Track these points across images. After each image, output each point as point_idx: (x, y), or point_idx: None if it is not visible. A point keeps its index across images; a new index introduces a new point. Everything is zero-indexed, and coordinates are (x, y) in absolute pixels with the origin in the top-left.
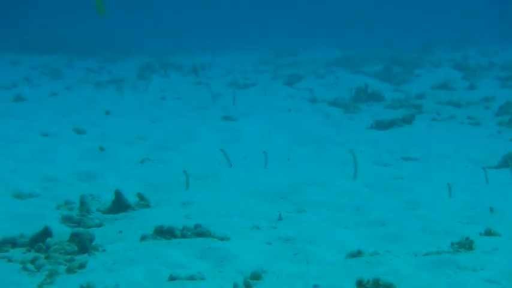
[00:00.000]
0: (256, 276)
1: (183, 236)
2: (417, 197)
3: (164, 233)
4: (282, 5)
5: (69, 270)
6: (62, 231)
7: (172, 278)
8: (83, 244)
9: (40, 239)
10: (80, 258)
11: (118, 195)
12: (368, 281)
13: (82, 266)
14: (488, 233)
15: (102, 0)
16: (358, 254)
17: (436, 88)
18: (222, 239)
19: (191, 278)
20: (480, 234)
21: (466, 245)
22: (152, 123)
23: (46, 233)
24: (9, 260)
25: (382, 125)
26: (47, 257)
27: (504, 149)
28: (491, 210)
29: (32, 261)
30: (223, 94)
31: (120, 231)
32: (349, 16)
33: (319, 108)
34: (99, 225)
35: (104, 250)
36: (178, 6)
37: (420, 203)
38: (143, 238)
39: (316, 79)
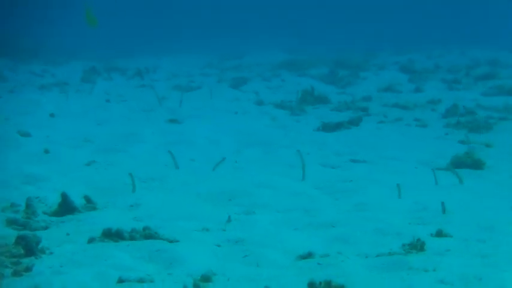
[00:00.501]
0: (206, 279)
1: (132, 238)
2: (367, 199)
3: (112, 235)
4: (227, 8)
5: (16, 273)
6: (7, 234)
7: (120, 281)
8: (29, 247)
9: None
10: (26, 261)
11: (64, 197)
12: (320, 283)
13: (29, 269)
14: (440, 234)
15: (92, 12)
16: (309, 255)
17: (382, 91)
18: (171, 241)
19: (140, 280)
20: (431, 235)
21: (418, 246)
22: (98, 125)
23: None
24: None
25: (329, 127)
26: None
27: (452, 151)
28: (444, 210)
29: None
30: (169, 97)
31: (67, 234)
32: (295, 21)
33: (266, 110)
34: (46, 228)
35: (51, 253)
36: (122, 11)
37: (370, 204)
38: (91, 241)
39: (262, 82)
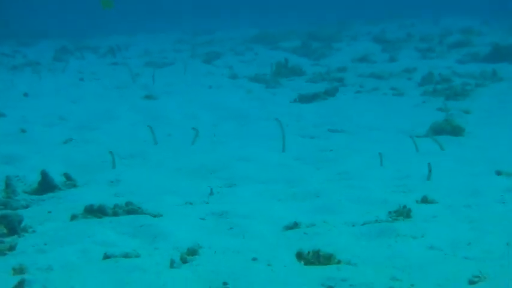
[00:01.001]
0: (192, 252)
1: (115, 214)
2: (348, 168)
3: (95, 211)
4: None
5: None
6: None
7: (106, 257)
8: (11, 226)
9: None
10: (9, 240)
11: (44, 175)
12: (308, 253)
13: (12, 248)
14: (425, 200)
15: None
16: (295, 226)
17: (357, 61)
18: (154, 216)
19: (126, 255)
20: (417, 202)
21: (404, 213)
22: (72, 103)
23: None
24: None
25: (305, 99)
26: None
27: (430, 118)
28: (428, 177)
29: None
30: (142, 73)
31: (49, 212)
32: None
33: (240, 84)
34: (26, 207)
35: (34, 231)
36: None
37: (352, 173)
38: (73, 218)
39: (235, 56)
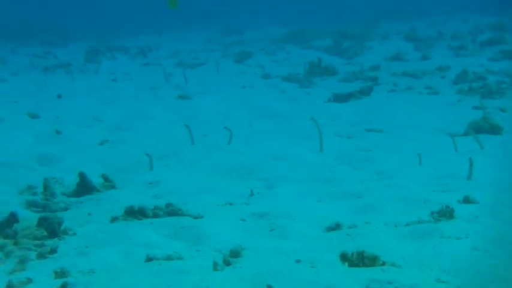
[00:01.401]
0: (235, 254)
1: (155, 215)
2: (387, 167)
3: (135, 213)
4: None
5: (40, 256)
6: (27, 217)
7: (149, 259)
8: (52, 228)
9: (6, 225)
10: (50, 243)
11: (82, 177)
12: (352, 254)
13: (53, 250)
14: (467, 200)
15: None
16: (337, 227)
17: (389, 60)
18: (195, 218)
19: (168, 258)
20: (459, 201)
21: (447, 213)
22: (106, 104)
23: (13, 218)
24: None
25: (340, 98)
26: (15, 243)
27: (467, 117)
28: (469, 176)
29: (1, 248)
30: (174, 74)
31: (89, 214)
32: None
33: (273, 84)
34: (66, 209)
35: (74, 233)
36: None
37: (391, 173)
38: (113, 220)
39: (267, 55)
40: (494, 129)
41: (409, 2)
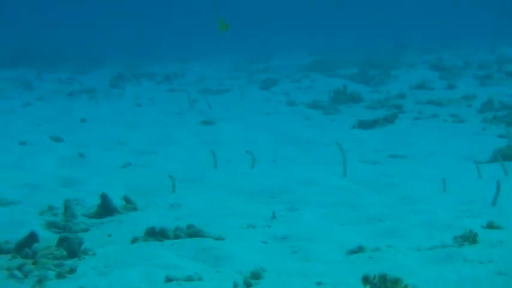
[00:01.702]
0: (256, 276)
1: (176, 237)
2: (411, 192)
3: (156, 234)
4: (251, 10)
5: (59, 276)
6: (47, 237)
7: (168, 280)
8: (71, 248)
9: (26, 245)
10: (69, 263)
11: (104, 198)
12: (374, 277)
13: (72, 270)
14: (491, 226)
15: (223, 18)
16: (359, 250)
17: (415, 88)
18: (216, 239)
19: (188, 279)
20: (482, 227)
21: (470, 238)
22: (130, 129)
23: (32, 238)
24: None
25: (365, 125)
26: (34, 263)
27: (492, 145)
28: (494, 202)
29: (19, 268)
30: (199, 100)
31: (109, 235)
32: (318, 23)
33: (298, 110)
34: (86, 230)
35: (94, 254)
36: (145, 16)
37: (415, 198)
38: (134, 240)
39: (292, 83)
40: None
41: (436, 32)
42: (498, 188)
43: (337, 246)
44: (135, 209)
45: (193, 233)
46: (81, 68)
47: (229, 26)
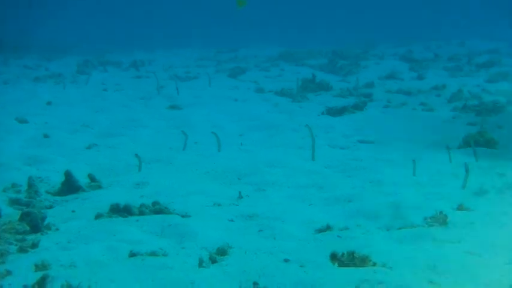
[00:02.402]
0: (222, 252)
1: (141, 213)
2: (380, 176)
3: (120, 211)
4: (220, 3)
5: (21, 250)
6: (10, 213)
7: (132, 255)
8: (34, 223)
9: None
10: (32, 237)
11: (68, 176)
12: (343, 254)
13: (35, 245)
14: (461, 208)
15: None
16: (327, 228)
17: (384, 78)
18: (182, 216)
19: (153, 254)
20: (452, 209)
21: (440, 219)
22: (96, 112)
23: None
24: None
25: (334, 112)
26: None
27: (462, 132)
28: (464, 185)
29: None
30: (167, 86)
31: (73, 211)
32: (289, 15)
33: (267, 98)
34: (50, 207)
35: (57, 229)
36: (113, 6)
37: (384, 181)
38: (98, 216)
39: (261, 72)
40: (489, 143)
41: (407, 27)
42: (467, 171)
43: (305, 225)
44: (99, 187)
45: (158, 210)
46: (48, 55)
47: (246, 2)
